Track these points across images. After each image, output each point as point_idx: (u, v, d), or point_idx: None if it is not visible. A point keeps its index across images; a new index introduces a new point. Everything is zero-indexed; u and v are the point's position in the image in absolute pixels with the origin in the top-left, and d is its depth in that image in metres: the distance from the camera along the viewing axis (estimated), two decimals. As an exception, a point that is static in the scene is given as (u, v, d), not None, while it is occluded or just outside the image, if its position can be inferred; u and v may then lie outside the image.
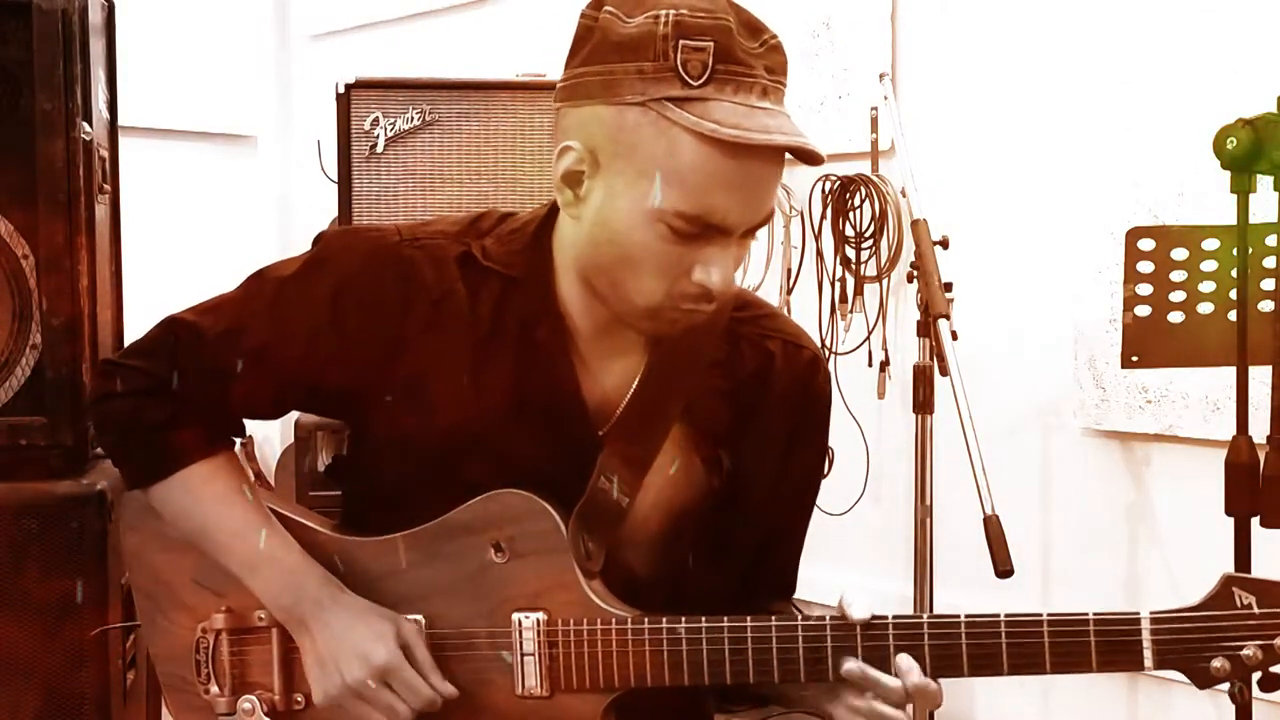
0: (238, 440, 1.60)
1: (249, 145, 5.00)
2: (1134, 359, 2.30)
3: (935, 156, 3.20)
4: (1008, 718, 3.19)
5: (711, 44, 1.29)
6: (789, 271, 3.52)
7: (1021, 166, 3.13)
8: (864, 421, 3.33)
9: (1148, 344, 2.29)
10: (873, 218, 3.37)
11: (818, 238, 3.46)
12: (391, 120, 2.82)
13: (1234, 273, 2.08)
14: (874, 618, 1.38)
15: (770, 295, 3.44)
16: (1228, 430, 2.09)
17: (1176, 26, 2.83)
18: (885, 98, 2.94)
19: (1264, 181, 2.00)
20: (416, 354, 1.46)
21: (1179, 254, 2.24)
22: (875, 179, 3.36)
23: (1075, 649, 1.35)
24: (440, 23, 4.48)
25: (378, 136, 2.82)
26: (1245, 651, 1.32)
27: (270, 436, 4.72)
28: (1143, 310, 2.26)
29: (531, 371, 1.47)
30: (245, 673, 1.55)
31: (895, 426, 3.22)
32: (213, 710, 1.55)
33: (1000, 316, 3.12)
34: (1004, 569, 1.94)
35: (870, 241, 3.38)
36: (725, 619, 1.41)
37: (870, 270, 3.39)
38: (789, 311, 3.45)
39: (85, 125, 2.26)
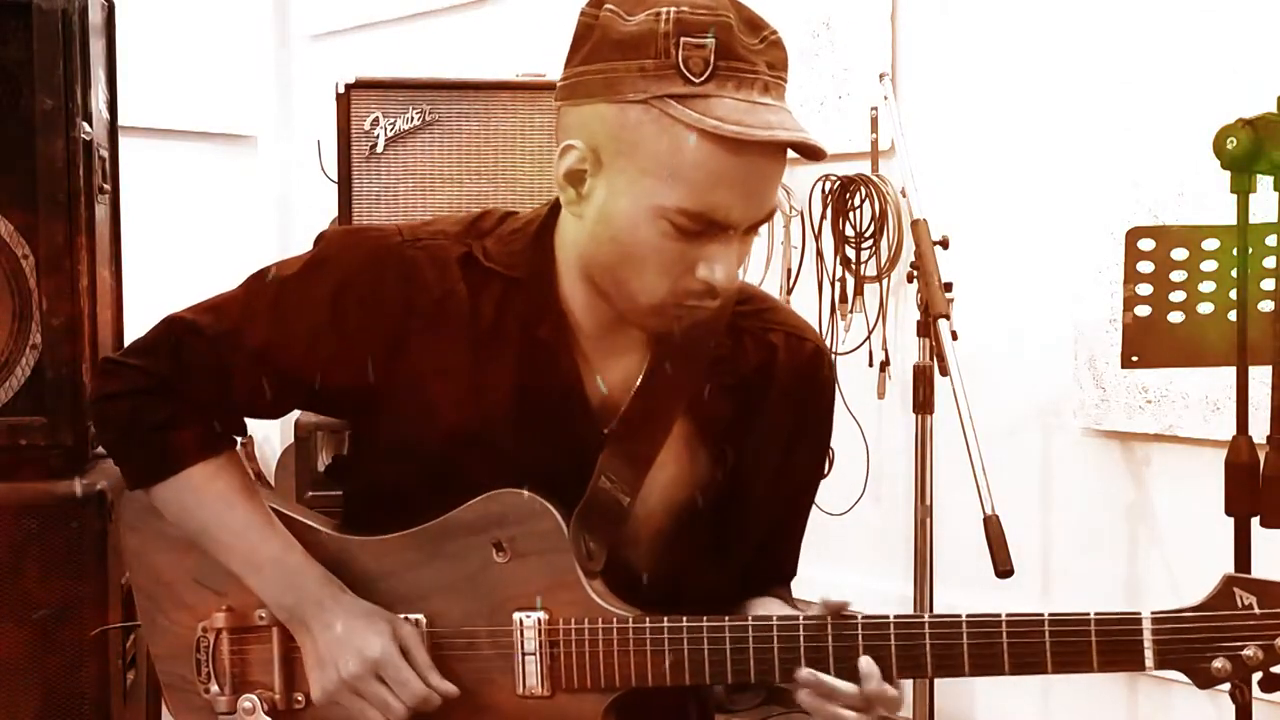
0: (238, 440, 1.60)
1: (249, 145, 5.00)
2: (1134, 359, 2.30)
3: (935, 156, 3.20)
4: (1008, 718, 3.19)
5: (713, 41, 1.29)
6: (789, 271, 3.52)
7: (1021, 166, 3.13)
8: (864, 421, 3.33)
9: (1148, 344, 2.29)
10: (873, 218, 3.37)
11: (818, 238, 3.46)
12: (391, 120, 2.82)
13: (1234, 273, 2.08)
14: (866, 616, 1.38)
15: (776, 298, 3.44)
16: (1228, 430, 2.09)
17: (1176, 26, 2.83)
18: (885, 98, 2.94)
19: (1264, 181, 2.00)
20: (418, 354, 1.46)
21: (1179, 254, 2.24)
22: (875, 179, 3.36)
23: (1076, 649, 1.34)
24: (440, 23, 4.48)
25: (378, 136, 2.82)
26: (1246, 652, 1.32)
27: (270, 436, 4.72)
28: (1143, 310, 2.26)
29: (534, 371, 1.47)
30: (246, 672, 1.55)
31: (895, 426, 3.22)
32: (213, 709, 1.55)
33: (1000, 316, 3.12)
34: (1004, 569, 1.94)
35: (870, 241, 3.38)
36: (726, 618, 1.41)
37: (870, 270, 3.39)
38: (789, 311, 3.45)
39: (85, 125, 2.26)
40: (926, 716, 2.74)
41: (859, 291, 3.40)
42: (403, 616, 1.48)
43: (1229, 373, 2.08)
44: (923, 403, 2.70)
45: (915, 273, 2.53)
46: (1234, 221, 2.04)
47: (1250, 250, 2.05)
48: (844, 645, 1.37)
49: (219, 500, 1.52)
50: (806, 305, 3.43)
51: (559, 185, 1.40)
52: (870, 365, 3.36)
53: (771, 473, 1.55)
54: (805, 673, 1.37)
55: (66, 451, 2.25)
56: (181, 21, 4.64)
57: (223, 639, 1.55)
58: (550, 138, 1.43)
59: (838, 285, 3.43)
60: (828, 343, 3.35)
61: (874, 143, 3.36)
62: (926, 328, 2.61)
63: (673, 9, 1.30)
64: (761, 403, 1.53)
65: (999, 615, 1.36)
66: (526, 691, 1.45)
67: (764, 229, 1.42)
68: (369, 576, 1.51)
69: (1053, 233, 3.06)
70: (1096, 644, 1.34)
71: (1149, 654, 1.33)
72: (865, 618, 1.38)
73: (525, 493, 1.45)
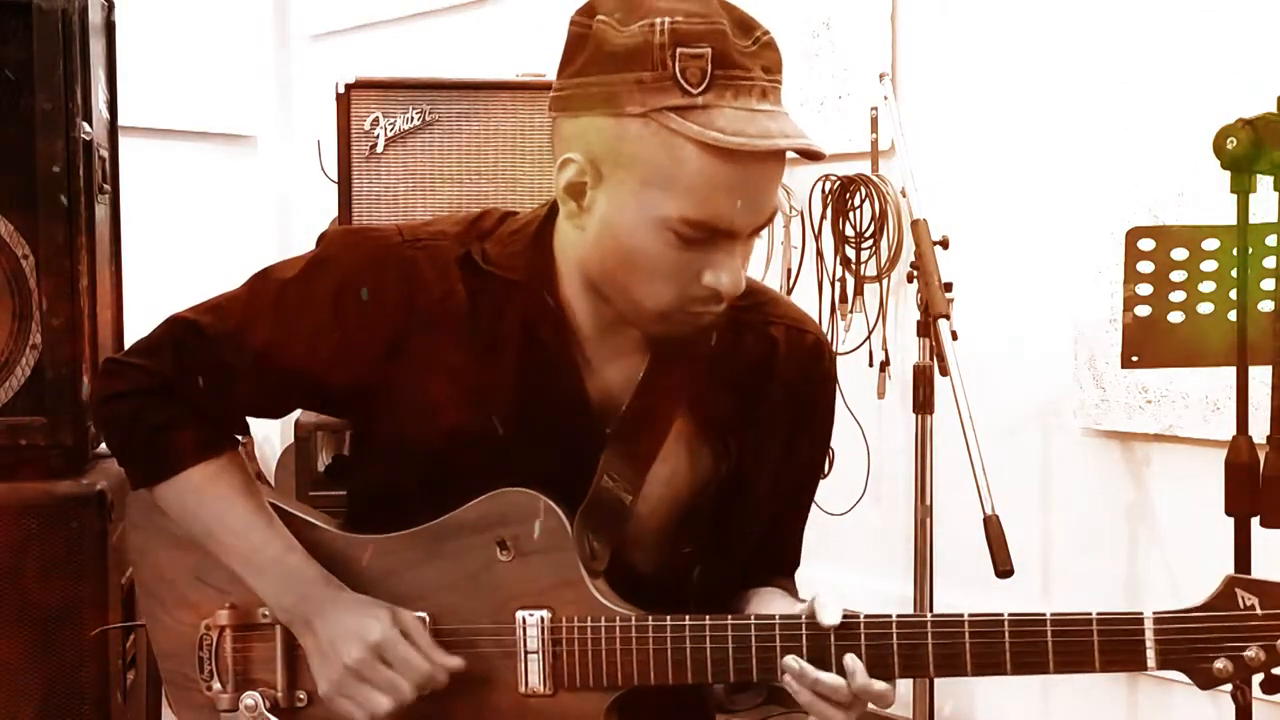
0: (239, 440, 1.60)
1: (249, 145, 5.00)
2: (1134, 359, 2.30)
3: (935, 156, 3.20)
4: (1008, 717, 3.19)
5: (709, 50, 1.29)
6: (789, 271, 3.52)
7: (1021, 166, 3.13)
8: (864, 421, 3.33)
9: (1148, 344, 2.29)
10: (873, 218, 3.37)
11: (818, 238, 3.46)
12: (391, 120, 2.82)
13: (1234, 273, 2.08)
14: (847, 614, 1.37)
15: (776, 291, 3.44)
16: (1228, 430, 2.09)
17: (1176, 26, 2.83)
18: (885, 98, 2.94)
19: (1264, 181, 2.00)
20: (418, 354, 1.46)
21: (1179, 254, 2.24)
22: (875, 179, 3.36)
23: (1078, 649, 1.34)
24: (440, 23, 4.48)
25: (378, 136, 2.82)
26: (1248, 653, 1.32)
27: (270, 436, 4.71)
28: (1143, 310, 2.26)
29: (535, 373, 1.47)
30: (248, 669, 1.55)
31: (895, 426, 3.22)
32: (215, 707, 1.55)
33: (1000, 316, 3.12)
34: (1004, 569, 1.94)
35: (870, 241, 3.38)
36: (729, 617, 1.41)
37: (870, 270, 3.39)
38: (789, 310, 3.45)
39: (85, 125, 2.26)
40: (926, 717, 2.74)
41: (859, 291, 3.41)
42: (405, 614, 1.48)
43: (1229, 373, 2.08)
44: (923, 403, 2.70)
45: (915, 273, 2.53)
46: (1234, 221, 2.04)
47: (1250, 250, 2.05)
48: (847, 645, 1.37)
49: (220, 500, 1.52)
50: (806, 305, 3.42)
51: (560, 198, 1.40)
52: (870, 365, 3.36)
53: (774, 465, 1.55)
54: (790, 660, 1.37)
55: (66, 451, 2.25)
56: (181, 21, 4.64)
57: (225, 637, 1.55)
58: (550, 138, 1.43)
59: (838, 285, 3.44)
60: (829, 344, 3.35)
61: (874, 143, 3.37)
62: (926, 328, 2.61)
63: (667, 19, 1.29)
64: (763, 396, 1.53)
65: (1001, 615, 1.36)
66: (529, 690, 1.45)
67: (764, 229, 1.42)
68: (371, 575, 1.51)
69: (1053, 233, 3.06)
70: (1099, 644, 1.34)
71: (1151, 654, 1.33)
72: (868, 617, 1.38)
73: (529, 491, 1.45)
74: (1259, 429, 2.03)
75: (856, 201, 3.39)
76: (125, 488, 1.61)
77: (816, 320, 3.33)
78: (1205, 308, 2.24)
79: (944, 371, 2.27)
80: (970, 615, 1.36)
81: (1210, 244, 2.22)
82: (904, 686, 2.70)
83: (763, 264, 3.52)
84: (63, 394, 2.23)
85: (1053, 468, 3.11)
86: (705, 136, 1.28)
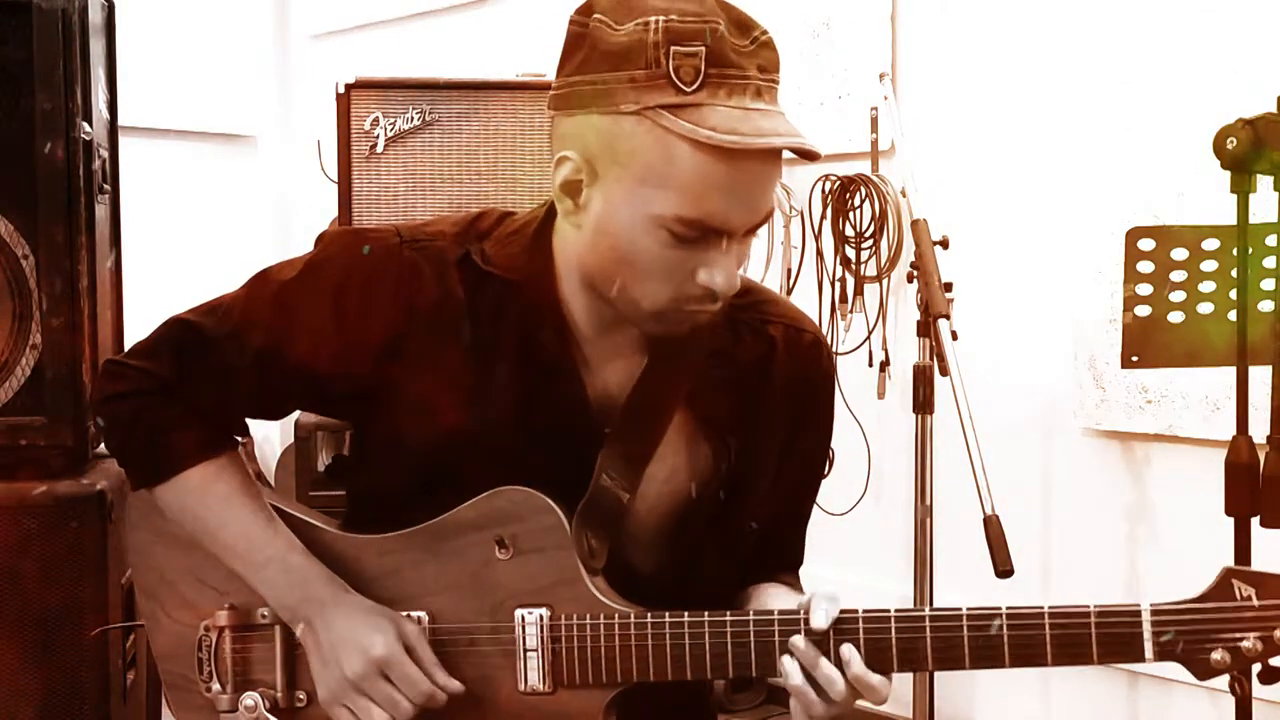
0: (239, 440, 1.60)
1: (249, 145, 5.00)
2: (1134, 359, 2.30)
3: (935, 156, 3.20)
4: (1008, 717, 3.19)
5: (702, 49, 1.29)
6: (789, 271, 3.52)
7: (1021, 166, 3.13)
8: (864, 421, 3.33)
9: (1148, 344, 2.29)
10: (873, 218, 3.37)
11: (818, 238, 3.46)
12: (391, 120, 2.82)
13: (1234, 273, 2.08)
14: (844, 610, 1.38)
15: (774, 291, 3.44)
16: (1228, 430, 2.09)
17: (1176, 26, 2.83)
18: (885, 98, 2.94)
19: (1264, 181, 2.00)
20: (417, 355, 1.47)
21: (1179, 254, 2.23)
22: (875, 179, 3.36)
23: (1076, 641, 1.35)
24: (440, 23, 4.48)
25: (378, 136, 2.82)
26: (1245, 643, 1.32)
27: (270, 436, 4.71)
28: (1143, 310, 2.26)
29: (535, 373, 1.47)
30: (248, 670, 1.55)
31: (895, 426, 3.22)
32: (214, 708, 1.56)
33: (1000, 316, 3.12)
34: (1004, 569, 1.94)
35: (870, 241, 3.38)
36: (727, 613, 1.42)
37: (870, 270, 3.39)
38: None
39: (85, 125, 2.26)
40: (926, 716, 2.74)
41: (859, 291, 3.40)
42: (405, 614, 1.48)
43: (1229, 373, 2.08)
44: (923, 403, 2.70)
45: (915, 273, 2.53)
46: (1234, 221, 2.04)
47: (1250, 250, 2.05)
48: (845, 640, 1.38)
49: (220, 501, 1.53)
50: (806, 305, 3.42)
51: (556, 196, 1.40)
52: (870, 365, 3.36)
53: (774, 464, 1.55)
54: (797, 639, 1.37)
55: (66, 451, 2.25)
56: (181, 21, 4.64)
57: (225, 637, 1.55)
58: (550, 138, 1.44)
59: (838, 285, 3.44)
60: (828, 343, 3.35)
61: (874, 143, 3.36)
62: (926, 328, 2.61)
63: (661, 18, 1.30)
64: (762, 395, 1.53)
65: (999, 608, 1.36)
66: (528, 688, 1.46)
67: (764, 228, 1.42)
68: (371, 574, 1.51)
69: (1053, 233, 3.06)
70: (1096, 636, 1.34)
71: (1148, 646, 1.34)
72: (866, 611, 1.38)
73: (527, 490, 1.45)
74: (1259, 429, 2.03)
75: (856, 201, 3.39)
76: (125, 488, 1.61)
77: (816, 320, 3.37)
78: (1205, 308, 2.24)
79: (944, 371, 2.27)
80: (968, 609, 1.37)
81: (1210, 244, 2.22)
82: (904, 685, 2.71)
83: (763, 264, 3.52)
84: (63, 394, 2.23)
85: (1053, 468, 3.11)
86: (698, 134, 1.28)
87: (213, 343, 1.49)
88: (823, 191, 3.44)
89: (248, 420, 1.61)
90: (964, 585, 2.72)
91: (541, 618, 1.45)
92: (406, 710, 1.44)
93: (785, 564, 1.65)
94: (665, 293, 1.37)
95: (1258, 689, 1.79)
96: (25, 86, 2.20)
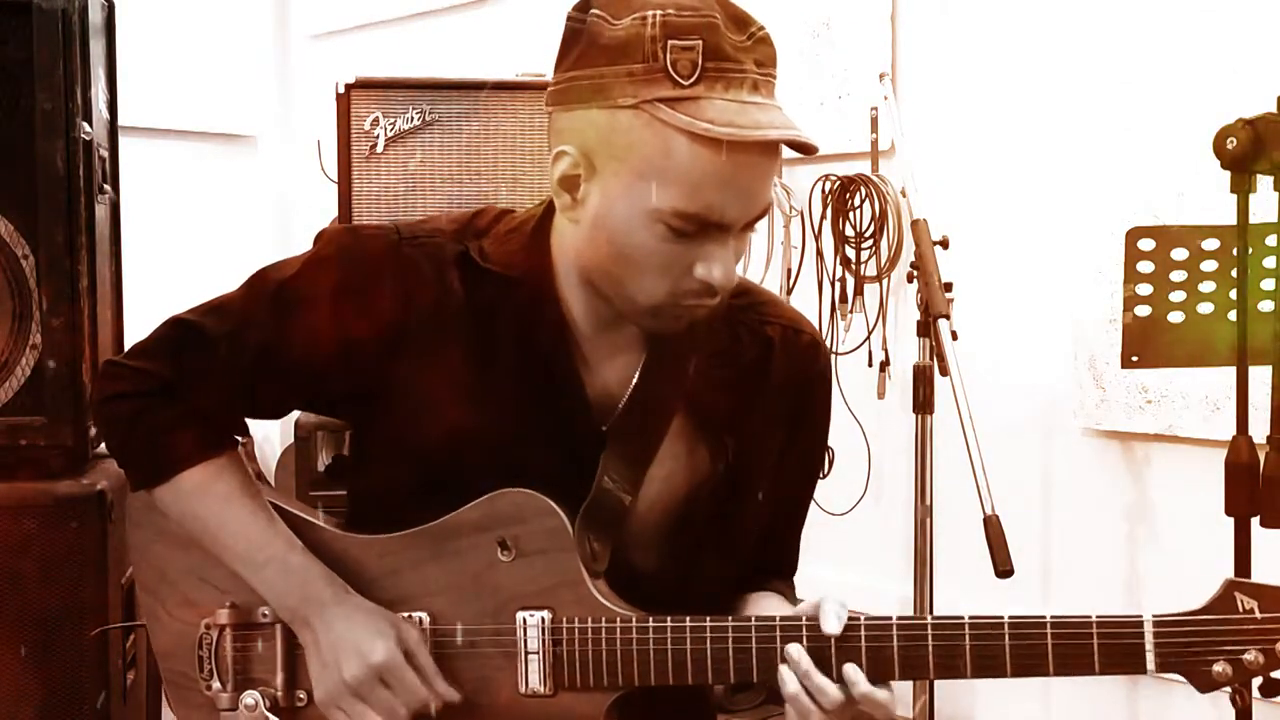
0: (239, 440, 1.60)
1: (249, 145, 5.00)
2: (1134, 359, 2.30)
3: (935, 156, 3.20)
4: (1009, 718, 3.19)
5: (699, 42, 1.29)
6: (789, 271, 3.52)
7: (1021, 166, 3.13)
8: (864, 421, 3.33)
9: (1148, 344, 2.29)
10: (873, 218, 3.37)
11: (818, 238, 3.46)
12: (391, 120, 2.82)
13: (1234, 273, 2.08)
14: (869, 618, 1.38)
15: (772, 292, 3.44)
16: (1228, 430, 2.09)
17: (1176, 26, 2.83)
18: (885, 98, 2.94)
19: (1264, 181, 2.00)
20: (416, 354, 1.46)
21: (1179, 254, 2.23)
22: (875, 179, 3.36)
23: (1078, 651, 1.35)
24: (440, 23, 4.48)
25: (378, 136, 2.82)
26: (1247, 656, 1.32)
27: (270, 436, 4.71)
28: (1143, 310, 2.26)
29: (534, 372, 1.47)
30: (248, 669, 1.55)
31: (895, 426, 3.22)
32: (215, 707, 1.55)
33: (1000, 316, 3.12)
34: (1004, 569, 1.94)
35: (870, 241, 3.38)
36: (729, 618, 1.42)
37: (870, 270, 3.39)
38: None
39: (85, 125, 2.26)
40: (927, 717, 2.74)
41: (859, 291, 3.40)
42: (405, 615, 1.48)
43: (1229, 373, 2.07)
44: (923, 403, 2.70)
45: (915, 273, 2.53)
46: (1234, 221, 2.04)
47: (1250, 250, 2.05)
48: (847, 647, 1.38)
49: (220, 501, 1.52)
50: (806, 305, 3.42)
51: (554, 191, 1.40)
52: (870, 365, 3.36)
53: (771, 465, 1.55)
54: (793, 647, 1.37)
55: (66, 451, 2.25)
56: (181, 21, 4.64)
57: (226, 636, 1.55)
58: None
59: (838, 285, 3.43)
60: (828, 343, 3.35)
61: (874, 143, 3.36)
62: (926, 328, 2.61)
63: (658, 12, 1.30)
64: (759, 395, 1.53)
65: (1001, 618, 1.36)
66: (529, 690, 1.45)
67: (764, 228, 1.42)
68: (372, 575, 1.51)
69: (1053, 233, 3.06)
70: (1098, 647, 1.34)
71: (1150, 657, 1.33)
72: (868, 619, 1.38)
73: (529, 491, 1.45)
74: (1259, 429, 2.03)
75: (856, 201, 3.39)
76: (125, 488, 1.61)
77: (816, 320, 3.37)
78: (1205, 308, 2.24)
79: (944, 371, 2.26)
80: (970, 618, 1.36)
81: (1210, 244, 2.22)
82: (904, 687, 2.71)
83: (763, 264, 3.52)
84: (63, 394, 2.23)
85: (1053, 468, 3.11)
86: (695, 127, 1.28)
87: (212, 342, 1.49)
88: (823, 191, 3.44)
89: (247, 420, 1.60)
90: (964, 585, 2.73)
91: (543, 620, 1.45)
92: (402, 717, 1.44)
93: (780, 571, 1.64)
94: (663, 287, 1.37)
95: (1258, 695, 1.79)
96: (25, 86, 2.21)
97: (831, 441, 1.65)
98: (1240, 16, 2.73)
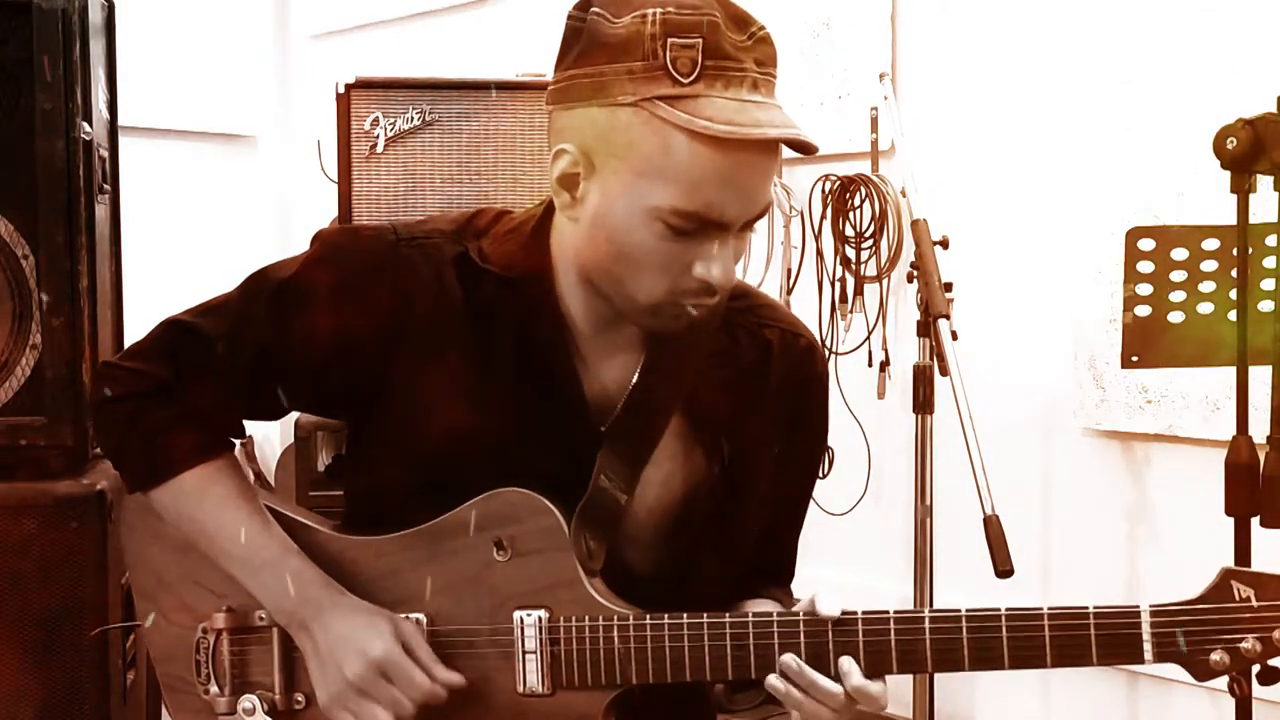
0: (237, 441, 1.60)
1: (249, 145, 5.00)
2: (1134, 359, 2.30)
3: (935, 156, 3.20)
4: (1008, 716, 3.19)
5: (699, 40, 1.30)
6: (789, 271, 3.51)
7: (1021, 166, 3.13)
8: (864, 421, 3.33)
9: (1148, 344, 2.29)
10: (873, 218, 3.37)
11: (818, 238, 3.46)
12: (391, 120, 2.82)
13: (1234, 273, 2.08)
14: (845, 613, 1.38)
15: (770, 296, 3.44)
16: (1228, 430, 2.09)
17: (1176, 26, 2.83)
18: (885, 98, 2.94)
19: (1264, 181, 2.00)
20: (414, 354, 1.46)
21: (1179, 254, 2.23)
22: (875, 179, 3.36)
23: (1075, 642, 1.35)
24: (440, 23, 4.48)
25: (378, 136, 2.82)
26: (1244, 644, 1.33)
27: (270, 436, 4.72)
28: (1143, 310, 2.26)
29: (532, 372, 1.47)
30: (246, 672, 1.55)
31: (895, 426, 3.22)
32: (212, 710, 1.55)
33: (1000, 316, 3.12)
34: (1004, 569, 1.94)
35: (870, 241, 3.38)
36: (726, 615, 1.42)
37: (870, 270, 3.39)
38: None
39: (85, 125, 2.26)
40: (927, 715, 2.74)
41: (859, 291, 3.40)
42: (403, 616, 1.48)
43: (1229, 373, 2.07)
44: (923, 403, 2.70)
45: (915, 273, 2.53)
46: (1234, 221, 2.04)
47: (1250, 250, 2.05)
48: (844, 641, 1.38)
49: (216, 504, 1.52)
50: (806, 305, 3.43)
51: (553, 190, 1.40)
52: (870, 365, 3.36)
53: (768, 468, 1.55)
54: (788, 658, 1.38)
55: (66, 451, 2.25)
56: (181, 21, 4.64)
57: (223, 640, 1.55)
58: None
59: (838, 285, 3.43)
60: (828, 343, 3.35)
61: (874, 143, 3.36)
62: (926, 328, 2.61)
63: (658, 10, 1.30)
64: (757, 397, 1.53)
65: (998, 610, 1.36)
66: (527, 690, 1.45)
67: (764, 228, 1.42)
68: (369, 576, 1.51)
69: (1053, 233, 3.06)
70: (1095, 638, 1.35)
71: (1148, 647, 1.34)
72: (865, 613, 1.38)
73: (526, 491, 1.45)
74: (1259, 429, 2.03)
75: (856, 201, 3.39)
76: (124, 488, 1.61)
77: (816, 320, 3.37)
78: (1205, 308, 2.24)
79: (944, 371, 2.27)
80: (968, 610, 1.37)
81: (1210, 244, 2.22)
82: (904, 685, 2.71)
83: (763, 264, 3.52)
84: (62, 394, 2.23)
85: (1053, 468, 3.11)
86: (694, 125, 1.28)
87: (209, 343, 1.49)
88: (823, 191, 3.44)
89: (247, 420, 1.60)
90: (964, 585, 2.72)
91: (540, 619, 1.45)
92: (409, 709, 1.44)
93: (778, 576, 1.65)
94: (662, 286, 1.37)
95: (1257, 690, 1.79)
96: (25, 86, 2.20)
97: (831, 441, 1.65)
98: (1240, 16, 2.73)
